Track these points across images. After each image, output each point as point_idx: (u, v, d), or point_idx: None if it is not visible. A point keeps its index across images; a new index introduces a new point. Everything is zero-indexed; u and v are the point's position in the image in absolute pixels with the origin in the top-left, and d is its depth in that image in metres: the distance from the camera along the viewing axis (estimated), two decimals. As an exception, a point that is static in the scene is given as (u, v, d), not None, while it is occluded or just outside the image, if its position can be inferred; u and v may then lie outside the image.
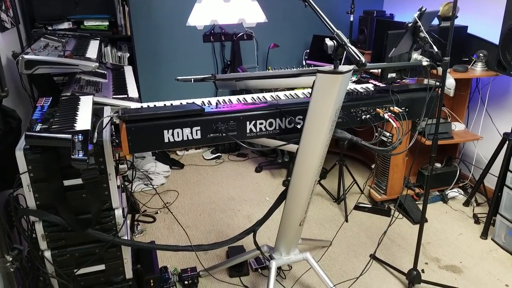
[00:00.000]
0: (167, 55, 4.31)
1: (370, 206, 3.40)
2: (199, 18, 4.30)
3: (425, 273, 2.64)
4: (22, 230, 1.76)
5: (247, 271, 2.68)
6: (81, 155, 1.38)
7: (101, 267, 1.87)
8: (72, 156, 1.38)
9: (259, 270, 2.69)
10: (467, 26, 3.35)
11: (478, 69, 3.25)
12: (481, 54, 3.24)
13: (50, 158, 1.56)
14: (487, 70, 3.24)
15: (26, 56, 1.99)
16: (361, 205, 3.40)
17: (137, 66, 3.73)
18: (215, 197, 3.66)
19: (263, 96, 2.05)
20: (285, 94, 2.13)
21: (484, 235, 3.04)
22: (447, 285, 2.50)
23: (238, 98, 2.01)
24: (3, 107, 1.74)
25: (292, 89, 2.32)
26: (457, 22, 2.16)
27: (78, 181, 1.64)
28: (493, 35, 3.11)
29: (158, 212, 3.41)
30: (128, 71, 3.07)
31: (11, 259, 1.42)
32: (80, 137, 1.47)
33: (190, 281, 2.53)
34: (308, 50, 4.52)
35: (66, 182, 1.65)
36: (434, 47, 2.01)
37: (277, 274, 2.60)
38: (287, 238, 2.29)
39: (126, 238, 1.91)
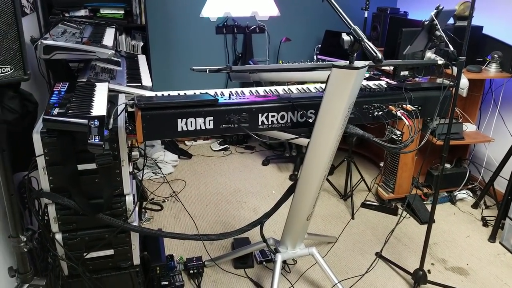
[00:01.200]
0: (180, 46, 4.32)
1: (377, 204, 3.39)
2: (212, 9, 4.28)
3: (431, 274, 2.64)
4: (35, 212, 1.79)
5: (252, 264, 2.70)
6: (97, 140, 1.40)
7: (110, 252, 1.90)
8: (88, 141, 1.40)
9: (264, 263, 2.70)
10: (482, 26, 3.32)
11: (492, 70, 3.23)
12: (495, 55, 3.21)
13: (66, 142, 1.58)
14: (501, 71, 3.22)
15: (45, 42, 2.01)
16: (368, 202, 3.40)
17: (150, 56, 3.75)
18: (221, 188, 3.68)
19: (275, 89, 2.05)
20: (297, 88, 2.13)
21: (492, 238, 3.01)
22: (453, 287, 2.49)
23: (250, 90, 2.00)
24: (21, 91, 1.76)
25: (303, 83, 2.32)
26: (473, 22, 2.14)
27: (92, 165, 1.67)
28: (509, 36, 3.09)
29: (166, 200, 3.44)
30: (142, 60, 3.09)
31: (25, 239, 1.44)
32: (96, 122, 1.49)
33: (195, 270, 2.56)
34: (319, 45, 4.50)
35: (80, 167, 1.67)
36: (450, 46, 2.00)
37: (282, 267, 2.61)
38: (293, 232, 2.30)
39: (136, 224, 1.94)
